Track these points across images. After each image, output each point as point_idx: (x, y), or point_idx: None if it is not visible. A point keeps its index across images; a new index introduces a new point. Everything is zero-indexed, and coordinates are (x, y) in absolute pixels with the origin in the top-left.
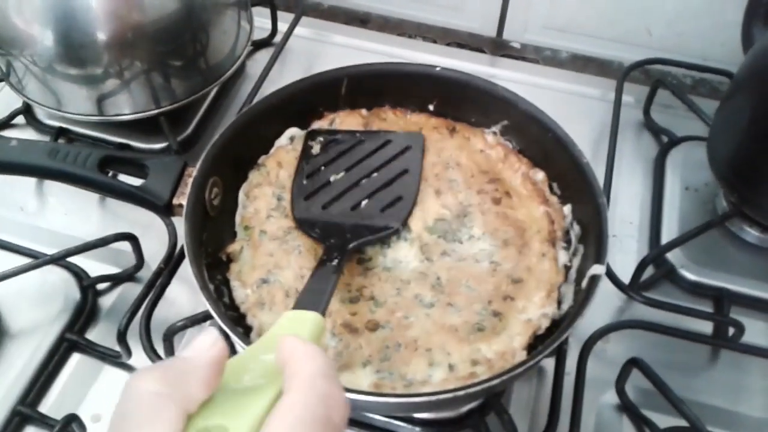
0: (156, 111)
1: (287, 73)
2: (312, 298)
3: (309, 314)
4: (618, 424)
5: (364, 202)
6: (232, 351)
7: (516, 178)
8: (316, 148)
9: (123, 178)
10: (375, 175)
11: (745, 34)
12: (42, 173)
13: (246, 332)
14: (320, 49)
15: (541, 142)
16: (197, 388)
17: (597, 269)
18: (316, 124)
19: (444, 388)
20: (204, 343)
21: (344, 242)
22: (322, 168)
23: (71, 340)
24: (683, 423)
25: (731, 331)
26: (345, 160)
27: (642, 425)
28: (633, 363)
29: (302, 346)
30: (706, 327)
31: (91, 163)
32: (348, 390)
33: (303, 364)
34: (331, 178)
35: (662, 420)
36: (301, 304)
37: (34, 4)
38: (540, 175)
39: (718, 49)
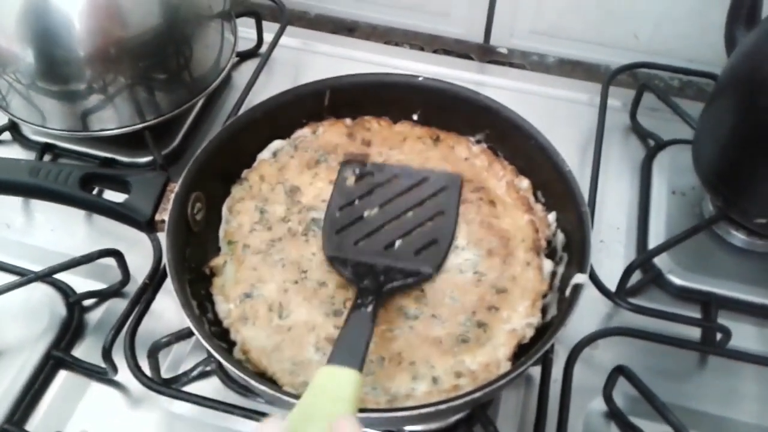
0: (141, 125)
1: (274, 84)
2: (348, 349)
3: (346, 373)
4: None
5: (398, 243)
6: (220, 368)
7: (500, 187)
8: (350, 180)
9: (109, 194)
10: (410, 213)
11: (728, 36)
12: (24, 191)
13: (229, 348)
14: (306, 58)
15: (524, 150)
16: None
17: (580, 278)
18: (299, 132)
19: (427, 402)
20: None
21: (378, 285)
22: (356, 201)
23: (57, 357)
24: (670, 430)
25: (719, 336)
26: (379, 195)
27: None
28: (619, 371)
29: None
30: (694, 332)
31: (73, 181)
32: None
33: None
34: (365, 214)
35: (651, 427)
36: (337, 357)
37: (15, 21)
38: (525, 183)
39: (704, 52)
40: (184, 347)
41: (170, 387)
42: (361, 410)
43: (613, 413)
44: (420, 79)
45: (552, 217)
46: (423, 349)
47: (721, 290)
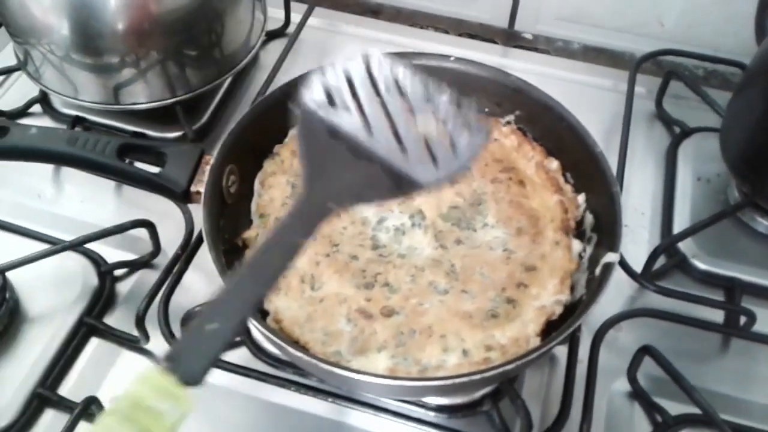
0: (172, 100)
1: (300, 64)
2: (200, 342)
3: (179, 393)
4: (629, 412)
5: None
6: (248, 336)
7: (530, 167)
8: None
9: (139, 165)
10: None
11: (759, 25)
12: (61, 160)
13: (263, 316)
14: (333, 39)
15: (554, 131)
16: None
17: (611, 257)
18: None
19: (458, 373)
20: None
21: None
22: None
23: (90, 325)
24: (694, 410)
25: (743, 320)
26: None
27: (653, 412)
28: (645, 351)
29: None
30: (718, 316)
31: (110, 151)
32: (363, 374)
33: None
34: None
35: (674, 407)
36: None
37: None
38: (554, 164)
39: (730, 40)
40: None
41: None
42: (393, 378)
43: (637, 393)
44: (451, 59)
45: (581, 198)
46: (453, 323)
47: (745, 276)
